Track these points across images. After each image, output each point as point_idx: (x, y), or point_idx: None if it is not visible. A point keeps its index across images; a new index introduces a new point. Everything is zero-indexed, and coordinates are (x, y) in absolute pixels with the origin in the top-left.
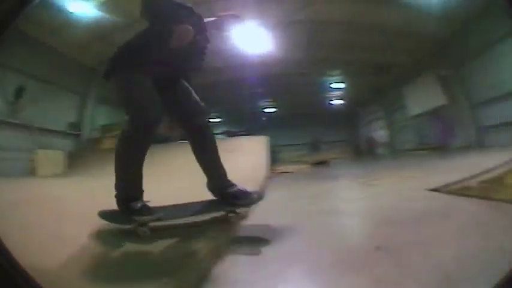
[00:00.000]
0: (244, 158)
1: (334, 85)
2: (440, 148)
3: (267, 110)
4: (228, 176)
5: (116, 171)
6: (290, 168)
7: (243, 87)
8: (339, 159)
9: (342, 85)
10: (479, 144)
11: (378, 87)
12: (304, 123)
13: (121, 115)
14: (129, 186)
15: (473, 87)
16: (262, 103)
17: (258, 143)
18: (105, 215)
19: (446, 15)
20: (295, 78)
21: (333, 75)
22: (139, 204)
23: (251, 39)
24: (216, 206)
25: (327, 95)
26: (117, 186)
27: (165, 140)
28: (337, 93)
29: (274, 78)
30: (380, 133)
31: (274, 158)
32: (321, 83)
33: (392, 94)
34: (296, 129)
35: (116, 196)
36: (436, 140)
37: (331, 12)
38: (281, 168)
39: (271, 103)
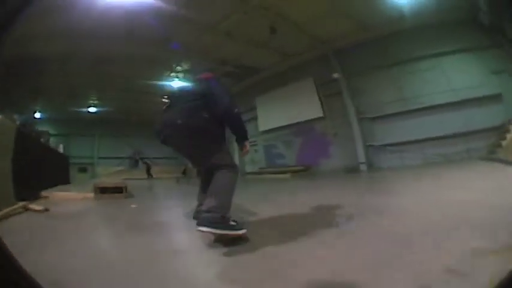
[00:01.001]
0: None
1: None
2: (306, 170)
3: (91, 110)
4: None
5: (229, 199)
6: (70, 196)
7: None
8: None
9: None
10: (370, 165)
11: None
12: (130, 132)
13: None
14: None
15: (367, 101)
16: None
17: None
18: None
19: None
20: (126, 72)
21: (177, 74)
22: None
23: None
24: None
25: (162, 101)
26: (226, 209)
27: None
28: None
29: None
30: None
31: None
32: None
33: (244, 103)
34: (120, 139)
35: (223, 215)
36: (303, 160)
37: None
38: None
39: (97, 101)
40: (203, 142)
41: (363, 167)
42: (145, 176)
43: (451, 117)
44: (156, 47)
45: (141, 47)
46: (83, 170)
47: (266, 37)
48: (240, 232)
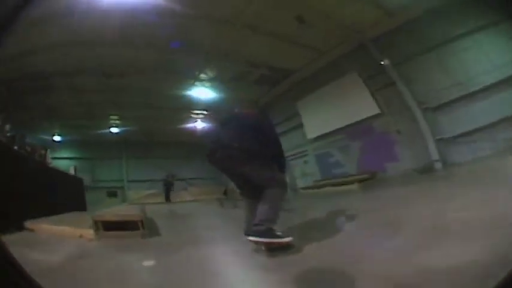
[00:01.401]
0: None
1: (202, 95)
2: (372, 177)
3: (114, 130)
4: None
5: (276, 213)
6: (62, 231)
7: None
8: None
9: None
10: (443, 163)
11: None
12: (159, 153)
13: None
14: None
15: (421, 90)
16: (108, 121)
17: None
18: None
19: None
20: (148, 84)
21: (202, 82)
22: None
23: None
24: None
25: (191, 116)
26: (273, 222)
27: None
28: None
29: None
30: None
31: None
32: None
33: (284, 110)
34: (149, 161)
35: (268, 227)
36: (366, 166)
37: None
38: None
39: (119, 121)
40: (257, 161)
41: (438, 165)
42: (172, 200)
43: (504, 96)
44: (172, 53)
45: (155, 54)
46: (113, 194)
47: (294, 29)
48: (286, 240)
